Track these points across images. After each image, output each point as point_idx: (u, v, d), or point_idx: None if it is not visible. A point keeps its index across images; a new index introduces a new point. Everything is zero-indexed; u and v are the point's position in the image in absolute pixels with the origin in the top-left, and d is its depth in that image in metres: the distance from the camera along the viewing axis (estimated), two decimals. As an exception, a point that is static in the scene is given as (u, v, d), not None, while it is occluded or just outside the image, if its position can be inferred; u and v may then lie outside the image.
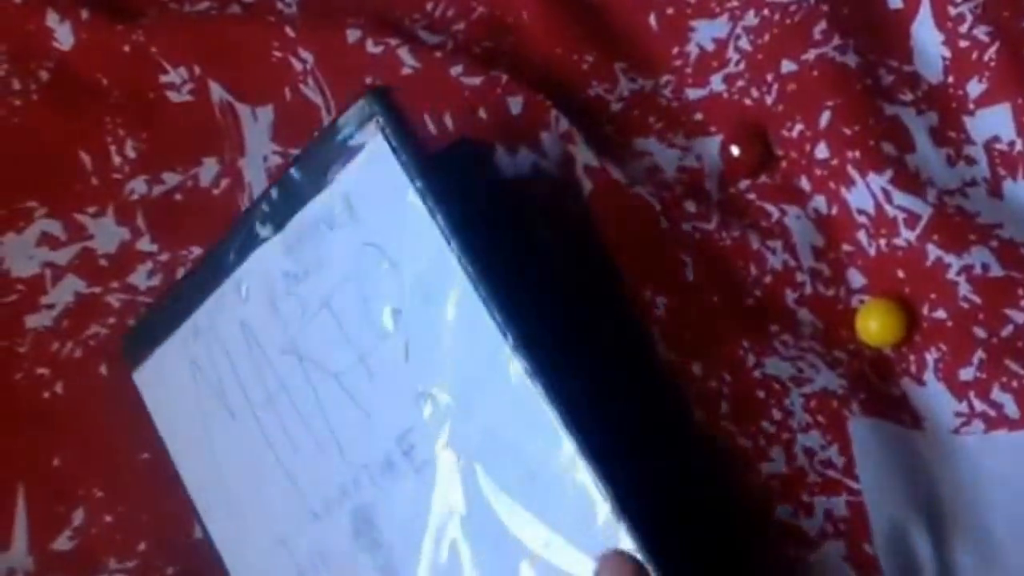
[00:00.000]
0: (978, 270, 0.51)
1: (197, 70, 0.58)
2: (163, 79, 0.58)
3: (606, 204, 0.53)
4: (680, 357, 0.50)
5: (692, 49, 0.58)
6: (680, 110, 0.57)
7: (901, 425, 0.51)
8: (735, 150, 0.55)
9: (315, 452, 0.46)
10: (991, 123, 0.54)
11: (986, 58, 0.54)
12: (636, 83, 0.58)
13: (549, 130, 0.54)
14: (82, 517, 0.51)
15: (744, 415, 0.49)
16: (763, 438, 0.49)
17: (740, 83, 0.57)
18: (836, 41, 0.55)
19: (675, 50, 0.58)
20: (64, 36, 0.59)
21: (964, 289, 0.51)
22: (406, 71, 0.56)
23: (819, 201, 0.54)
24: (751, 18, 0.57)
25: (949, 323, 0.51)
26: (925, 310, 0.51)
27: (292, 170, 0.47)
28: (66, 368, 0.53)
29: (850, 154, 0.53)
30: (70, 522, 0.51)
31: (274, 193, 0.48)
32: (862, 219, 0.53)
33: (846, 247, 0.54)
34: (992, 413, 0.50)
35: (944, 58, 0.56)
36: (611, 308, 0.52)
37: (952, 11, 0.55)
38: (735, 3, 0.58)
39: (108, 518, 0.51)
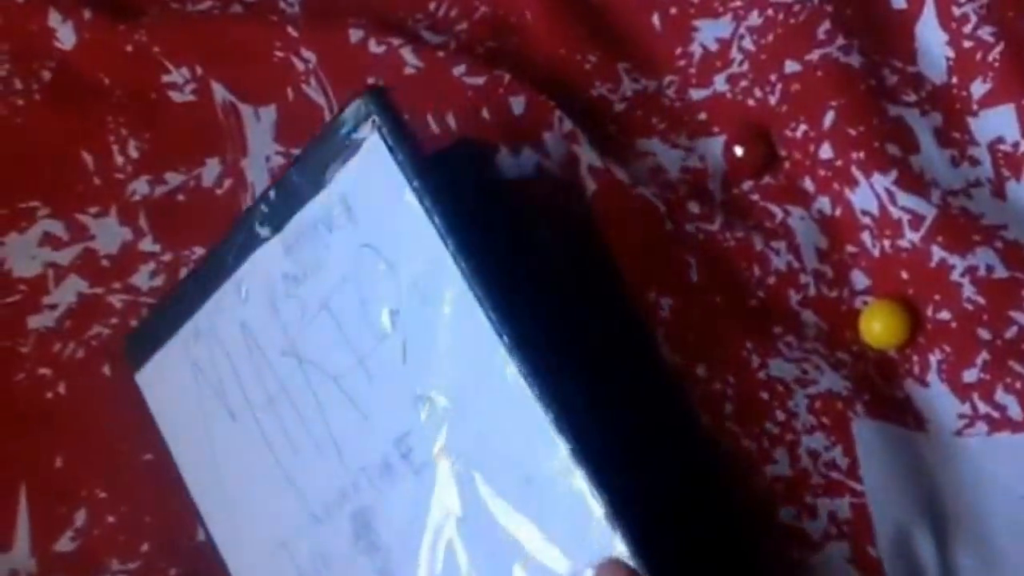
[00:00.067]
0: (982, 271, 0.51)
1: (199, 70, 0.58)
2: (165, 79, 0.58)
3: (610, 205, 0.52)
4: (684, 359, 0.50)
5: (695, 49, 0.58)
6: (683, 110, 0.57)
7: (905, 427, 0.50)
8: (739, 151, 0.55)
9: (315, 454, 0.46)
10: (995, 124, 0.54)
11: (990, 58, 0.54)
12: (639, 83, 0.58)
13: (552, 130, 0.54)
14: (84, 518, 0.51)
15: (748, 417, 0.49)
16: (767, 440, 0.49)
17: (744, 83, 0.56)
18: (840, 41, 0.55)
19: (678, 50, 0.58)
20: (66, 36, 0.59)
21: (968, 290, 0.51)
22: (409, 71, 0.56)
23: (823, 202, 0.54)
24: (755, 18, 0.57)
25: (953, 324, 0.51)
26: (929, 311, 0.51)
27: (290, 171, 0.47)
28: (68, 369, 0.53)
29: (854, 155, 0.53)
30: (72, 523, 0.51)
31: (273, 194, 0.47)
32: (866, 220, 0.53)
33: (850, 248, 0.53)
34: (995, 415, 0.50)
35: (948, 58, 0.55)
36: (614, 309, 0.52)
37: (956, 11, 0.55)
38: (739, 3, 0.58)
39: (111, 519, 0.51)
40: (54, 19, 0.59)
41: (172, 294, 0.51)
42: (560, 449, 0.41)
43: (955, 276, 0.51)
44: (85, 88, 0.58)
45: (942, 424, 0.51)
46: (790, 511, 0.48)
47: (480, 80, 0.55)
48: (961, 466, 0.50)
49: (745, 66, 0.57)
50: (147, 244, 0.56)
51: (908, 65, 0.56)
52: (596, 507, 0.40)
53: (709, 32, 0.58)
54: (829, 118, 0.54)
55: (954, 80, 0.55)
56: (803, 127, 0.54)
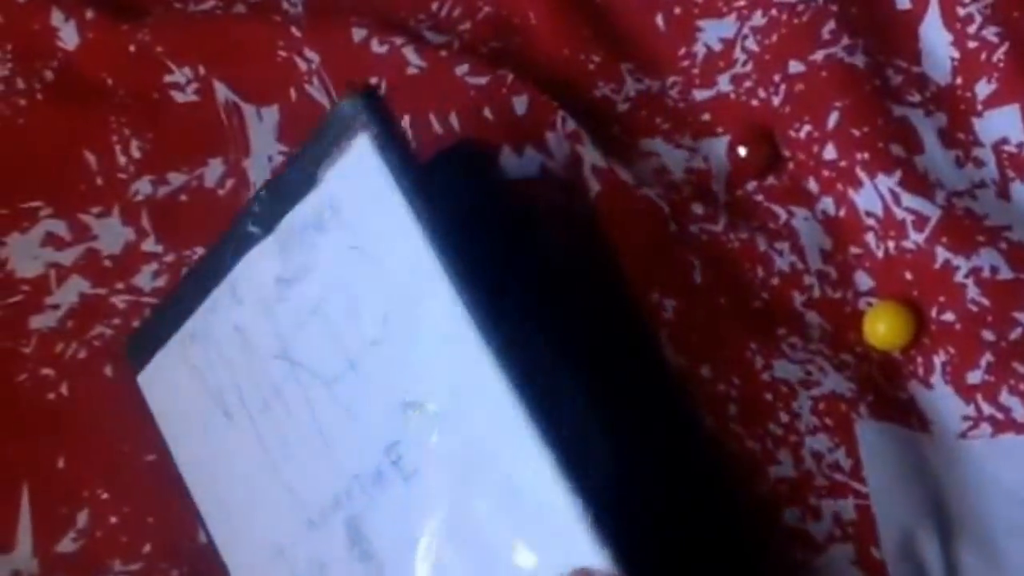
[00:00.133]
0: (987, 272, 0.51)
1: (202, 70, 0.58)
2: (168, 79, 0.58)
3: (613, 205, 0.52)
4: (688, 360, 0.50)
5: (699, 49, 0.58)
6: (687, 111, 0.57)
7: (908, 428, 0.50)
8: (742, 151, 0.55)
9: (309, 460, 0.45)
10: (1000, 125, 0.54)
11: (995, 59, 0.54)
12: (643, 84, 0.58)
13: (555, 130, 0.54)
14: (87, 519, 0.51)
15: (752, 418, 0.49)
16: (771, 441, 0.49)
17: (747, 84, 0.56)
18: (845, 41, 0.55)
19: (682, 50, 0.58)
20: (69, 35, 0.59)
21: (972, 292, 0.51)
22: (412, 70, 0.56)
23: (827, 203, 0.54)
24: (758, 18, 0.57)
25: (957, 326, 0.51)
26: (933, 313, 0.51)
27: (282, 170, 0.46)
28: (71, 369, 0.53)
29: (858, 155, 0.53)
30: (74, 524, 0.51)
31: (265, 193, 0.47)
32: (870, 221, 0.53)
33: (854, 249, 0.53)
34: (1000, 416, 0.50)
35: (953, 59, 0.55)
36: (617, 310, 0.52)
37: (961, 11, 0.55)
38: (742, 3, 0.58)
39: (113, 520, 0.51)
40: (57, 18, 0.59)
41: (171, 295, 0.51)
42: (545, 459, 0.40)
43: (959, 277, 0.51)
44: (88, 88, 0.58)
45: (946, 426, 0.50)
46: (794, 513, 0.48)
47: (483, 80, 0.55)
48: (965, 468, 0.50)
49: (749, 66, 0.57)
50: (149, 244, 0.56)
51: (912, 65, 0.56)
52: (578, 518, 0.39)
53: (713, 32, 0.58)
54: (833, 119, 0.54)
55: (959, 80, 0.55)
56: (807, 127, 0.54)
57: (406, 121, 0.55)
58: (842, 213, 0.53)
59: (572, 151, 0.54)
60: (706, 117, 0.57)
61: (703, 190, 0.55)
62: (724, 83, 0.57)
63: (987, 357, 0.50)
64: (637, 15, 0.59)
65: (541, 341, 0.44)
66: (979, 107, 0.55)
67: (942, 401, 0.51)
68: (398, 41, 0.56)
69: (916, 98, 0.55)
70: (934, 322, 0.51)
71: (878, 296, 0.53)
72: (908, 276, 0.52)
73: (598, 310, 0.52)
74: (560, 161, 0.54)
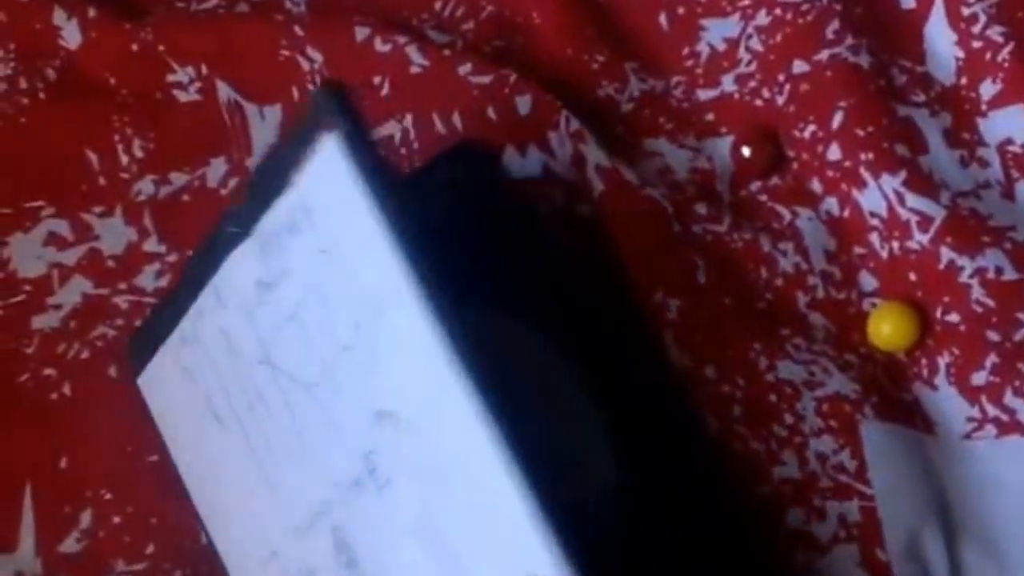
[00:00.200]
0: (991, 273, 0.51)
1: (204, 69, 0.58)
2: (170, 78, 0.58)
3: (617, 205, 0.52)
4: (692, 360, 0.50)
5: (703, 49, 0.58)
6: (691, 111, 0.57)
7: (913, 429, 0.50)
8: (746, 151, 0.55)
9: (295, 466, 0.44)
10: (1004, 125, 0.54)
11: (1000, 59, 0.54)
12: (647, 83, 0.58)
13: (558, 130, 0.54)
14: (90, 519, 0.51)
15: (756, 419, 0.49)
16: (775, 442, 0.49)
17: (751, 83, 0.56)
18: (849, 41, 0.55)
19: (686, 50, 0.58)
20: (71, 34, 0.58)
21: (977, 292, 0.51)
22: (415, 69, 0.56)
23: (831, 203, 0.54)
24: (763, 17, 0.57)
25: (962, 327, 0.51)
26: (938, 314, 0.51)
27: (258, 170, 0.45)
28: (73, 369, 0.53)
29: (863, 155, 0.53)
30: (78, 524, 0.51)
31: (244, 195, 0.46)
32: (874, 221, 0.53)
33: (858, 250, 0.53)
34: (1004, 418, 0.50)
35: (957, 59, 0.55)
36: (620, 311, 0.52)
37: (965, 11, 0.55)
38: (746, 2, 0.58)
39: (116, 520, 0.51)
40: (59, 17, 0.58)
41: (165, 297, 0.50)
42: (508, 472, 0.38)
43: (964, 278, 0.51)
44: (90, 87, 0.58)
45: (951, 427, 0.50)
46: (798, 514, 0.48)
47: (486, 79, 0.55)
48: (970, 469, 0.50)
49: (753, 66, 0.56)
50: (152, 244, 0.55)
51: (917, 65, 0.56)
52: (538, 531, 0.38)
53: (717, 32, 0.58)
54: (838, 119, 0.54)
55: (963, 80, 0.55)
56: (811, 128, 0.54)
57: (409, 120, 0.55)
58: (846, 213, 0.53)
59: (575, 151, 0.54)
60: (710, 117, 0.57)
61: (707, 190, 0.55)
62: (728, 83, 0.57)
63: (992, 358, 0.50)
64: (641, 15, 0.59)
65: (514, 346, 0.44)
66: (984, 107, 0.55)
67: (946, 402, 0.51)
68: (401, 40, 0.56)
69: (921, 98, 0.55)
70: (938, 323, 0.51)
71: (882, 297, 0.53)
72: (912, 277, 0.52)
73: (601, 310, 0.52)
74: (563, 161, 0.54)
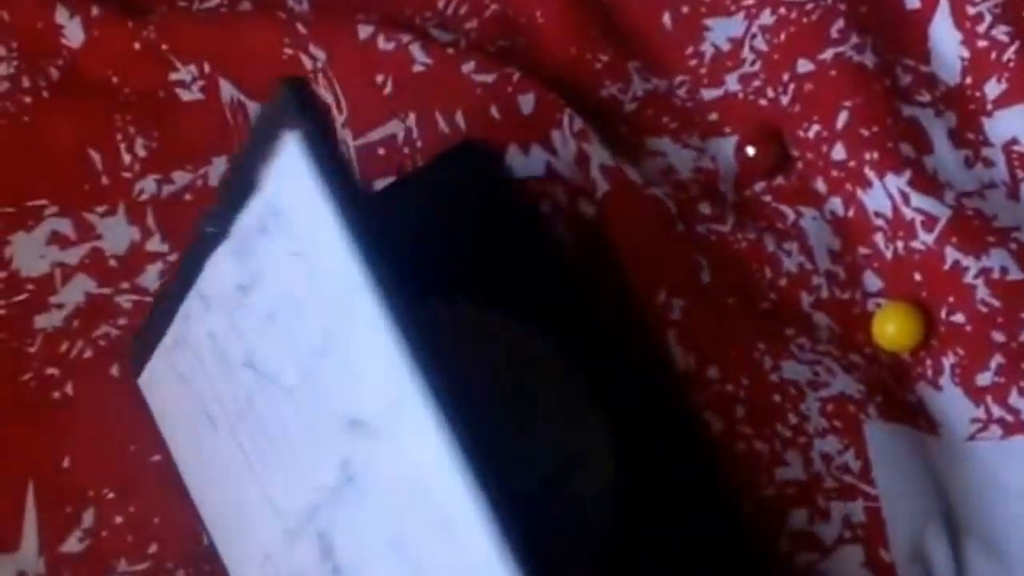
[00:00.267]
0: (996, 273, 0.51)
1: (207, 68, 0.58)
2: (173, 77, 0.58)
3: (621, 205, 0.52)
4: (696, 360, 0.50)
5: (707, 49, 0.58)
6: (695, 110, 0.57)
7: (918, 430, 0.50)
8: (750, 151, 0.55)
9: (283, 470, 0.44)
10: (1010, 125, 0.54)
11: (1005, 58, 0.54)
12: (650, 83, 0.57)
13: (561, 129, 0.54)
14: (92, 518, 0.51)
15: (761, 419, 0.49)
16: (779, 442, 0.49)
17: (756, 83, 0.56)
18: (854, 40, 0.55)
19: (689, 50, 0.58)
20: (74, 33, 0.58)
21: (982, 292, 0.51)
22: (418, 68, 0.56)
23: (835, 203, 0.54)
24: (767, 17, 0.57)
25: (967, 327, 0.51)
26: (942, 314, 0.51)
27: (231, 170, 0.44)
28: (76, 369, 0.53)
29: (868, 155, 0.53)
30: (80, 523, 0.51)
31: (220, 195, 0.44)
32: (879, 221, 0.53)
33: (862, 250, 0.53)
34: (1009, 419, 0.50)
35: (962, 58, 0.55)
36: (623, 310, 0.52)
37: (971, 10, 0.55)
38: (751, 2, 0.58)
39: (119, 520, 0.51)
40: (62, 16, 0.58)
41: (158, 298, 0.50)
42: (464, 486, 0.37)
43: (969, 278, 0.51)
44: (93, 86, 0.58)
45: (955, 428, 0.50)
46: (802, 514, 0.48)
47: (489, 78, 0.55)
48: (974, 470, 0.50)
49: (757, 66, 0.56)
50: (155, 244, 0.55)
51: (922, 65, 0.56)
52: (497, 555, 0.36)
53: (721, 31, 0.58)
54: (842, 118, 0.53)
55: (968, 80, 0.55)
56: (816, 127, 0.54)
57: (412, 119, 0.55)
58: (851, 213, 0.53)
59: (579, 150, 0.54)
60: (714, 117, 0.57)
61: (711, 190, 0.55)
62: (732, 82, 0.57)
63: (997, 359, 0.50)
64: (644, 14, 0.59)
65: (510, 347, 0.43)
66: (989, 107, 0.54)
67: (951, 403, 0.51)
68: (404, 39, 0.56)
69: (926, 98, 0.55)
70: (943, 323, 0.51)
71: (887, 297, 0.53)
72: (917, 277, 0.52)
73: (603, 310, 0.51)
74: (566, 160, 0.54)
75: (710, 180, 0.55)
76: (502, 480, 0.36)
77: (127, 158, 0.57)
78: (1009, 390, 0.50)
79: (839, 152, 0.53)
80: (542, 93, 0.54)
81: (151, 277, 0.55)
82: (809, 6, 0.56)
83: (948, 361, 0.51)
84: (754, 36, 0.57)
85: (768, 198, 0.55)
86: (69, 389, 0.53)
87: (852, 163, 0.53)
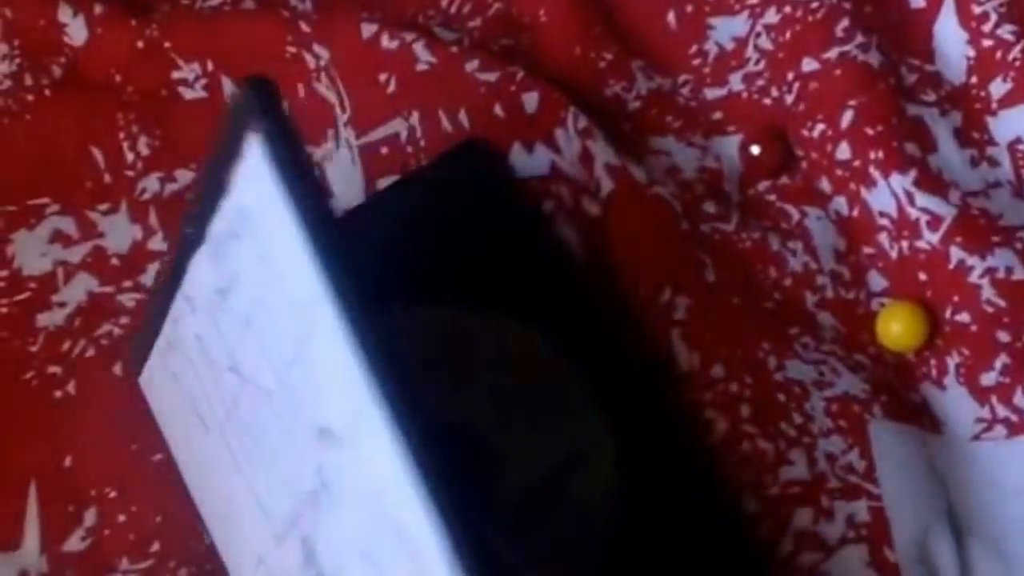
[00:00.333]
0: (1002, 273, 0.51)
1: (210, 66, 0.58)
2: (176, 75, 0.58)
3: (626, 204, 0.52)
4: (701, 359, 0.50)
5: (711, 48, 0.57)
6: (698, 109, 0.57)
7: (922, 429, 0.50)
8: (755, 150, 0.55)
9: (269, 475, 0.43)
10: (1015, 124, 0.54)
11: (1010, 58, 0.54)
12: (654, 82, 0.57)
13: (565, 127, 0.54)
14: (94, 517, 0.51)
15: (765, 418, 0.49)
16: (784, 442, 0.48)
17: (760, 82, 0.56)
18: (859, 39, 0.55)
19: (693, 48, 0.58)
20: (77, 31, 0.58)
21: (987, 292, 0.50)
22: (421, 67, 0.56)
23: (840, 202, 0.54)
24: (771, 16, 0.57)
25: (972, 327, 0.50)
26: (947, 314, 0.51)
27: (205, 171, 0.42)
28: (78, 367, 0.53)
29: (872, 155, 0.53)
30: (82, 522, 0.50)
31: (195, 196, 0.44)
32: (884, 221, 0.52)
33: (867, 249, 0.53)
34: (1014, 419, 0.50)
35: (967, 57, 0.55)
36: (625, 310, 0.52)
37: (976, 10, 0.55)
38: (755, 0, 0.57)
39: (121, 518, 0.51)
40: (64, 14, 0.58)
41: (150, 298, 0.50)
42: (421, 502, 0.36)
43: (974, 278, 0.51)
44: (95, 84, 0.58)
45: (960, 428, 0.50)
46: (807, 514, 0.48)
47: (493, 76, 0.55)
48: (979, 470, 0.49)
49: (761, 65, 0.56)
50: (157, 242, 0.55)
51: (927, 64, 0.56)
52: (446, 568, 0.35)
53: (725, 30, 0.58)
54: (847, 117, 0.53)
55: (973, 79, 0.55)
56: (820, 126, 0.54)
57: (415, 118, 0.55)
58: (855, 213, 0.53)
59: (583, 148, 0.53)
60: (718, 116, 0.56)
61: (715, 189, 0.55)
62: (736, 82, 0.57)
63: (1002, 359, 0.50)
64: (648, 13, 0.59)
65: (511, 347, 0.43)
66: (994, 106, 0.54)
67: (956, 403, 0.50)
68: (408, 37, 0.56)
69: (931, 97, 0.55)
70: (948, 323, 0.51)
71: (892, 297, 0.52)
72: (922, 276, 0.52)
73: (605, 310, 0.51)
74: (570, 158, 0.54)
75: (714, 179, 0.55)
76: (456, 495, 0.35)
77: (129, 156, 0.57)
78: (1014, 390, 0.49)
79: (844, 151, 0.53)
80: (546, 91, 0.54)
81: (153, 276, 0.55)
82: (814, 5, 0.56)
83: (953, 361, 0.51)
84: (758, 35, 0.57)
85: (772, 197, 0.55)
86: (71, 388, 0.53)
87: (857, 162, 0.53)
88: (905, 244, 0.52)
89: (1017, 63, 0.54)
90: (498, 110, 0.54)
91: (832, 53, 0.54)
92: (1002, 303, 0.50)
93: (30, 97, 0.58)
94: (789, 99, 0.55)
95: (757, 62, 0.56)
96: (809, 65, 0.55)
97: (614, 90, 0.57)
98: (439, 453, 0.36)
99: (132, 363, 0.51)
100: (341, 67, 0.57)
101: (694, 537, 0.46)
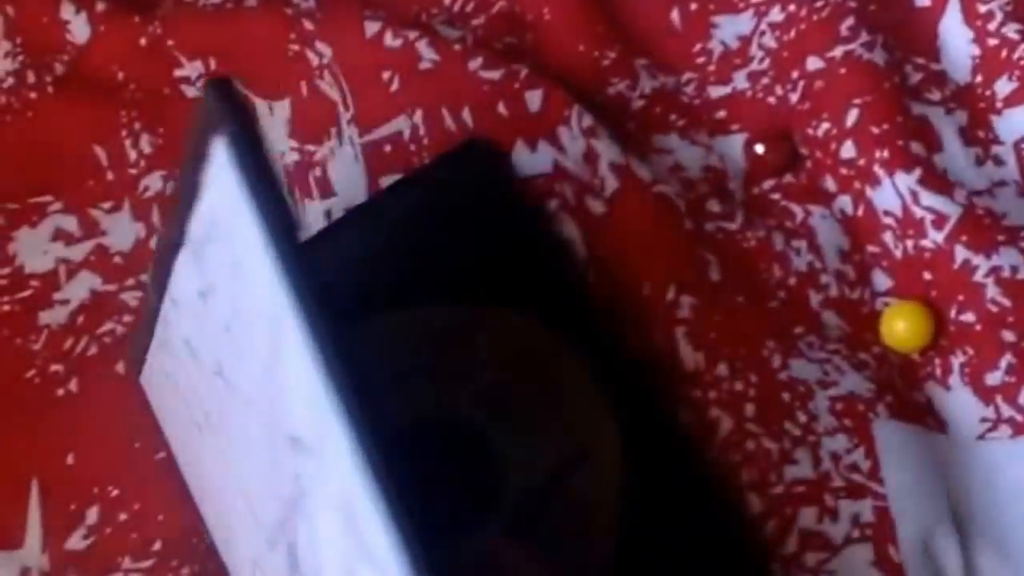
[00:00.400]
0: (1007, 272, 0.50)
1: (213, 64, 0.58)
2: (179, 73, 0.58)
3: (630, 202, 0.52)
4: (705, 358, 0.49)
5: (715, 46, 0.57)
6: (702, 108, 0.57)
7: (927, 429, 0.50)
8: (759, 149, 0.55)
9: (258, 479, 0.43)
10: (1020, 123, 0.54)
11: (1016, 56, 0.54)
12: (658, 80, 0.57)
13: (569, 125, 0.54)
14: (96, 516, 0.50)
15: (770, 417, 0.49)
16: (788, 441, 0.48)
17: (764, 81, 0.56)
18: (864, 38, 0.54)
19: (697, 47, 0.58)
20: (79, 28, 0.58)
21: (992, 291, 0.50)
22: (425, 65, 0.56)
23: (845, 201, 0.54)
24: (776, 14, 0.57)
25: (977, 327, 0.50)
26: (952, 313, 0.51)
27: (180, 174, 0.41)
28: (81, 365, 0.53)
29: (877, 153, 0.53)
30: (84, 520, 0.50)
31: (174, 198, 0.42)
32: (888, 220, 0.52)
33: (872, 248, 0.53)
34: (1019, 418, 0.49)
35: (973, 56, 0.55)
36: (629, 308, 0.52)
37: (981, 8, 0.55)
38: (759, -1, 0.57)
39: (123, 517, 0.50)
40: (67, 11, 0.58)
41: (144, 299, 0.49)
42: (380, 516, 0.35)
43: (979, 277, 0.51)
44: (98, 82, 0.58)
45: (964, 427, 0.50)
46: (811, 513, 0.47)
47: (496, 74, 0.55)
48: (983, 469, 0.49)
49: (766, 63, 0.56)
50: (160, 241, 0.55)
51: (932, 63, 0.55)
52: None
53: (729, 29, 0.57)
54: (852, 116, 0.53)
55: (978, 78, 0.55)
56: (825, 125, 0.54)
57: (418, 116, 0.55)
58: (860, 212, 0.53)
59: (588, 147, 0.53)
60: (722, 114, 0.56)
61: (719, 188, 0.55)
62: (740, 80, 0.56)
63: (1007, 358, 0.50)
64: (652, 11, 0.58)
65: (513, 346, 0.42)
66: (999, 105, 0.54)
67: (960, 403, 0.50)
68: (411, 35, 0.56)
69: (935, 96, 0.55)
70: (953, 323, 0.51)
71: (896, 296, 0.52)
72: (927, 276, 0.52)
73: (608, 309, 0.51)
74: (574, 157, 0.54)
75: (719, 178, 0.55)
76: (414, 509, 0.35)
77: (132, 154, 0.57)
78: (1019, 390, 0.49)
79: (848, 150, 0.53)
80: (550, 90, 0.54)
81: (154, 274, 0.55)
82: (819, 3, 0.56)
83: (957, 360, 0.51)
84: (763, 33, 0.57)
85: (777, 196, 0.54)
86: (73, 386, 0.53)
87: (862, 161, 0.53)
88: (910, 243, 0.52)
89: (1023, 62, 0.54)
90: (501, 108, 0.54)
91: (837, 52, 0.54)
92: (1007, 302, 0.50)
93: (32, 95, 0.58)
94: (794, 98, 0.55)
95: (761, 60, 0.56)
96: (814, 64, 0.55)
97: (618, 88, 0.57)
98: (400, 466, 0.35)
99: (132, 362, 0.51)
100: (344, 65, 0.57)
101: (697, 536, 0.46)
